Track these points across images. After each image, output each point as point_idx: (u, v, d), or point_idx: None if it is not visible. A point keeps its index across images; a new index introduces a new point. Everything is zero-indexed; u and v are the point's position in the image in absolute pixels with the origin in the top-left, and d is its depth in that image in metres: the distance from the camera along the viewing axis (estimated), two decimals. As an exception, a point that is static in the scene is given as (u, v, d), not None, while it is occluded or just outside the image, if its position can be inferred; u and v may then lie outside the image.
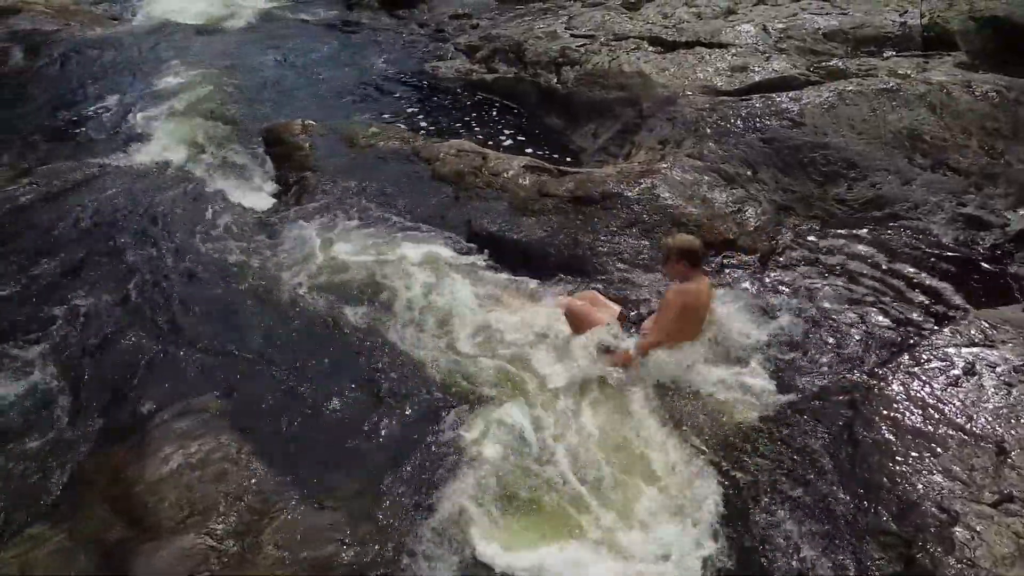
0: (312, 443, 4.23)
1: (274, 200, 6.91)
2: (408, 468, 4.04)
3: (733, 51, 8.21)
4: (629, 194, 6.15)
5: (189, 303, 5.37)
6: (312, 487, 3.93)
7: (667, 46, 8.67)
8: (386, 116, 9.27)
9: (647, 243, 5.67)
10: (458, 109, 9.50)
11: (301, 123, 7.89)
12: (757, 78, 7.59)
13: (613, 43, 9.06)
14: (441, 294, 5.28)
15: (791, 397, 4.18)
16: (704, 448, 4.00)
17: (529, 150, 8.10)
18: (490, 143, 8.21)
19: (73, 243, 6.14)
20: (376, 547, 3.62)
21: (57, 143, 8.72)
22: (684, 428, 4.14)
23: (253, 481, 3.88)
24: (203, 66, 10.82)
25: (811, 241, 5.68)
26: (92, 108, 9.69)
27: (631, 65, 8.31)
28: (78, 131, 9.04)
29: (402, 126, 8.73)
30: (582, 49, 9.12)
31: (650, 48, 8.73)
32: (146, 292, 5.53)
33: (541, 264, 5.61)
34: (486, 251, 5.77)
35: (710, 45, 8.49)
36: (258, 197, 7.05)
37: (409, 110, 9.56)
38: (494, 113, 9.40)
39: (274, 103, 9.79)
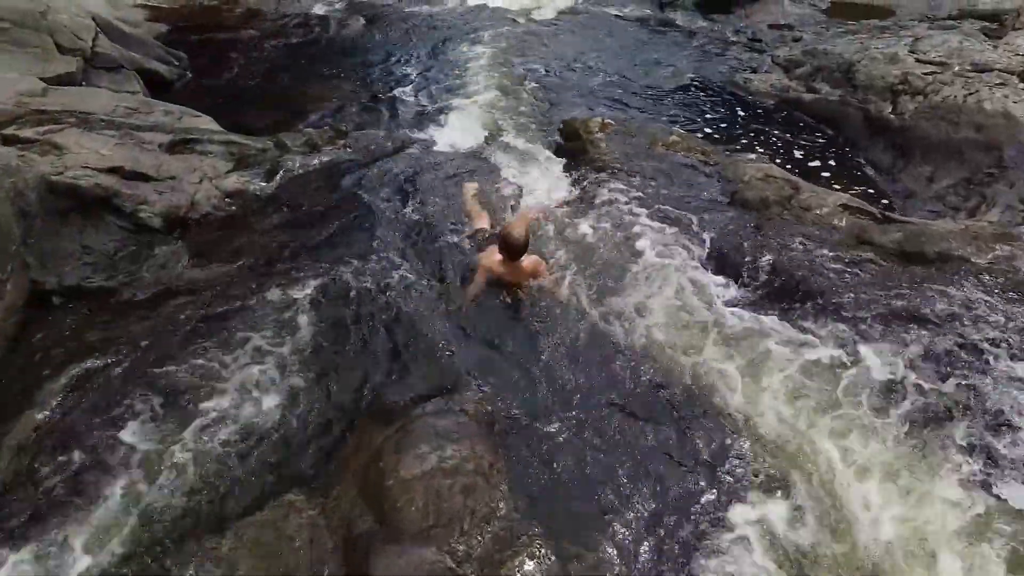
0: (567, 476, 3.86)
1: (563, 194, 6.64)
2: (668, 534, 3.56)
3: None
4: (977, 260, 5.04)
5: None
6: (559, 525, 3.55)
7: (1046, 85, 7.17)
8: (687, 123, 8.72)
9: (995, 324, 4.56)
10: (766, 127, 8.68)
11: (601, 120, 7.60)
12: None
13: (971, 74, 7.68)
14: (736, 342, 4.68)
15: None
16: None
17: (839, 183, 7.14)
18: (797, 170, 7.36)
19: (369, 204, 6.28)
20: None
21: (371, 109, 9.33)
22: None
23: (501, 504, 3.59)
24: (509, 51, 11.10)
25: None
26: (405, 80, 10.32)
27: (994, 103, 6.95)
28: (390, 100, 9.60)
29: (702, 137, 8.13)
30: (929, 77, 7.85)
31: (1021, 85, 7.26)
32: (426, 267, 5.47)
33: (853, 324, 4.73)
34: (789, 298, 5.01)
35: (1109, 90, 6.87)
36: (547, 188, 6.83)
37: (712, 120, 8.91)
38: (806, 137, 8.46)
39: (574, 94, 9.67)
